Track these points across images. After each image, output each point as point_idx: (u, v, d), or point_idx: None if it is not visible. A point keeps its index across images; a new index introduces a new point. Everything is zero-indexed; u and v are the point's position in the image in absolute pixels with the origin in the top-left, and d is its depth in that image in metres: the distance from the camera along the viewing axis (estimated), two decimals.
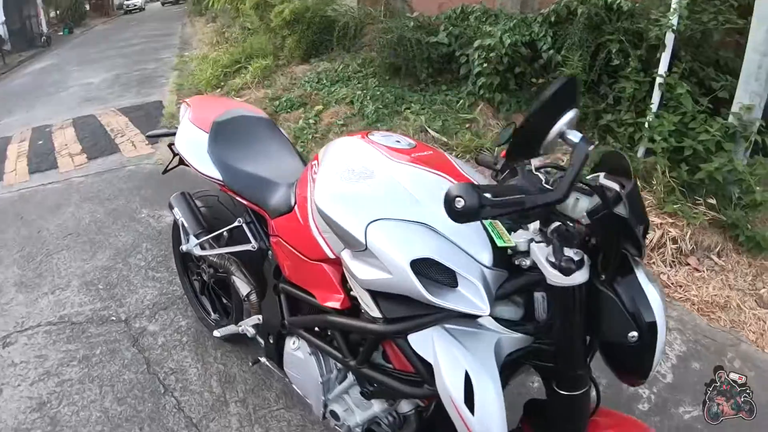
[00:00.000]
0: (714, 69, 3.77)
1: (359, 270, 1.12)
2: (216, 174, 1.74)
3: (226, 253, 1.84)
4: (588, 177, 1.01)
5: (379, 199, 1.15)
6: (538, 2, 4.54)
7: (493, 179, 1.26)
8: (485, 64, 4.15)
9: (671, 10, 3.37)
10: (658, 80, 3.57)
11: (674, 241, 3.04)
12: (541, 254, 0.98)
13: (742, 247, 3.03)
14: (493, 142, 1.64)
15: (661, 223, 3.11)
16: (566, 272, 0.94)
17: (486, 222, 1.07)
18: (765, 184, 3.46)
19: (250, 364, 2.06)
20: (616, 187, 0.94)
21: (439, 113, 4.29)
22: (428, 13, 4.88)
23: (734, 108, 3.40)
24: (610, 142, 3.78)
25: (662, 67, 3.54)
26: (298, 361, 1.56)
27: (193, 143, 1.86)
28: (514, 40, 4.03)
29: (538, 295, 1.07)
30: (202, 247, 1.93)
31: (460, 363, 1.03)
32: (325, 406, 1.53)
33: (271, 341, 1.73)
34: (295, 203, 1.44)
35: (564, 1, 3.84)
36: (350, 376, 1.44)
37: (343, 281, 1.31)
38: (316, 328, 1.50)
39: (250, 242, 1.73)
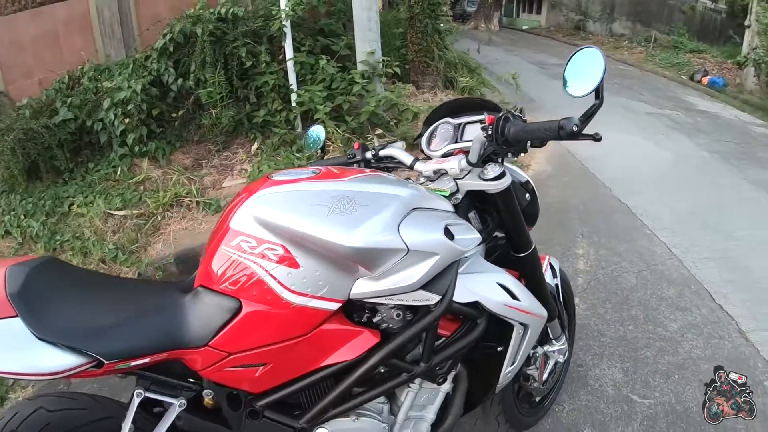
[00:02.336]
0: (322, 37, 4.42)
1: (407, 277, 1.20)
2: (71, 359, 1.08)
3: None
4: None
5: (380, 209, 1.21)
6: (139, 43, 4.50)
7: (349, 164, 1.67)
8: (127, 120, 3.99)
9: (283, 3, 3.89)
10: (290, 64, 4.06)
11: None
12: (474, 181, 1.38)
13: None
14: (306, 147, 1.81)
15: None
16: (501, 178, 1.37)
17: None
18: (407, 99, 4.46)
19: None
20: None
21: (108, 192, 3.96)
22: (33, 95, 4.35)
23: (360, 57, 4.20)
24: (275, 131, 4.14)
25: (289, 52, 4.05)
26: None
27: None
28: (142, 84, 3.96)
29: (472, 215, 1.48)
30: None
31: (491, 281, 1.41)
32: None
33: None
34: (242, 299, 1.18)
35: (177, 29, 3.93)
36: (410, 392, 1.44)
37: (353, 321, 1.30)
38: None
39: (173, 403, 1.27)
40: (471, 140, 1.42)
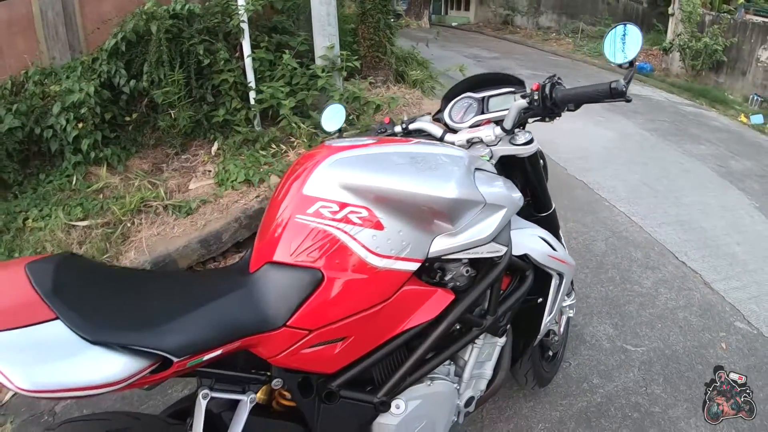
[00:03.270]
0: (275, 33, 4.47)
1: (483, 230, 1.29)
2: (133, 362, 0.94)
3: None
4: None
5: (455, 167, 1.28)
6: (84, 45, 4.37)
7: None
8: (81, 125, 3.87)
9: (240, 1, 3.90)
10: (248, 61, 4.06)
11: None
12: (506, 146, 1.51)
13: None
14: (321, 127, 1.84)
15: None
16: (531, 143, 1.52)
17: None
18: (369, 92, 4.56)
19: None
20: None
21: (66, 202, 3.80)
22: None
23: (319, 52, 4.27)
24: (237, 130, 4.12)
25: (247, 49, 4.05)
26: (418, 409, 1.38)
27: (37, 350, 0.90)
28: (94, 86, 3.85)
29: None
30: None
31: (534, 234, 1.60)
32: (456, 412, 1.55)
33: None
34: (323, 269, 1.14)
35: (130, 27, 3.85)
36: (474, 348, 1.50)
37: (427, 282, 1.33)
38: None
39: (242, 400, 1.19)
40: (498, 111, 1.59)
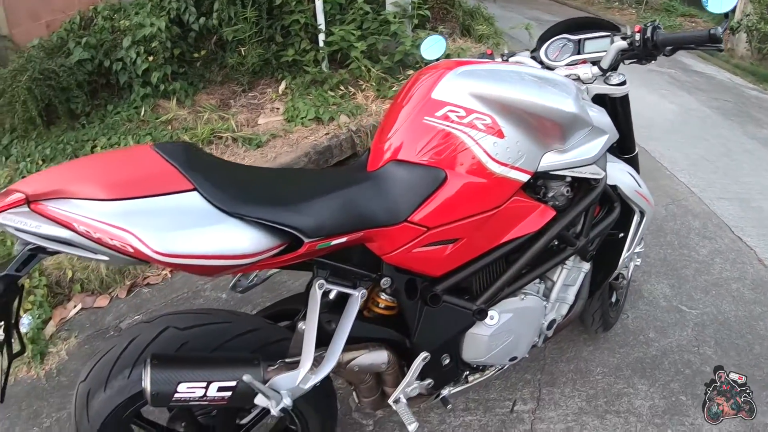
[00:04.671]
0: None
1: (588, 151, 1.42)
2: (266, 238, 0.99)
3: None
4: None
5: (568, 89, 1.38)
6: None
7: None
8: (151, 58, 4.02)
9: None
10: (319, 3, 4.16)
11: None
12: (601, 85, 1.63)
13: None
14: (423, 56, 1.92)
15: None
16: (624, 84, 1.63)
17: None
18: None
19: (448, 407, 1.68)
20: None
21: (135, 132, 3.93)
22: (42, 37, 4.25)
23: None
24: (307, 70, 4.23)
25: None
26: (509, 322, 1.49)
27: (168, 218, 0.92)
28: (165, 21, 3.97)
29: None
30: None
31: (623, 169, 1.72)
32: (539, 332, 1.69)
33: (447, 361, 1.49)
34: (446, 170, 1.22)
35: None
36: (564, 269, 1.63)
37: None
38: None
39: (353, 294, 1.24)
40: (594, 52, 1.67)
